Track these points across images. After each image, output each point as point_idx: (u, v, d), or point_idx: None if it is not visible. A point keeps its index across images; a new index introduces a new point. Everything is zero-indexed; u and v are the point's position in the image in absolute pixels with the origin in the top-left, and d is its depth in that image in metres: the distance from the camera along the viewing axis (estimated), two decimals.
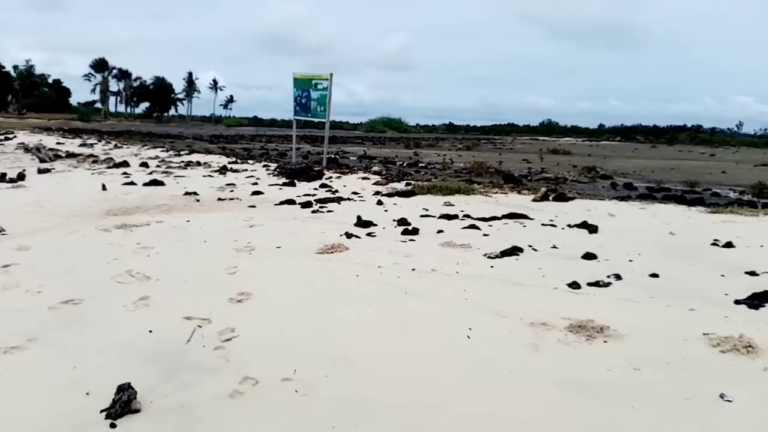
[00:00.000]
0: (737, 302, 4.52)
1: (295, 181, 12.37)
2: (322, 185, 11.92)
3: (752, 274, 5.31)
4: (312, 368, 3.32)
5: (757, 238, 6.73)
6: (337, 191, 11.01)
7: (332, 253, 5.89)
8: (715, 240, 6.65)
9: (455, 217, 8.11)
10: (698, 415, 2.90)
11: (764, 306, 4.42)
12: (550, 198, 9.97)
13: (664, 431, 2.76)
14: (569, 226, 7.55)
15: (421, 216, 8.20)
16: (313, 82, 16.62)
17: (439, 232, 7.01)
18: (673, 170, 23.46)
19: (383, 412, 2.88)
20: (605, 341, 3.77)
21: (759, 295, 4.57)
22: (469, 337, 3.81)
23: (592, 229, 7.22)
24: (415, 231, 6.93)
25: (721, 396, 3.06)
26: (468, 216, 8.17)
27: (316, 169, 14.36)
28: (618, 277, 5.15)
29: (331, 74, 16.23)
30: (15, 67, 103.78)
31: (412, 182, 12.36)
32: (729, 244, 6.43)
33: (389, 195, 10.40)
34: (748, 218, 8.22)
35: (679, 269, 5.52)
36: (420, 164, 20.75)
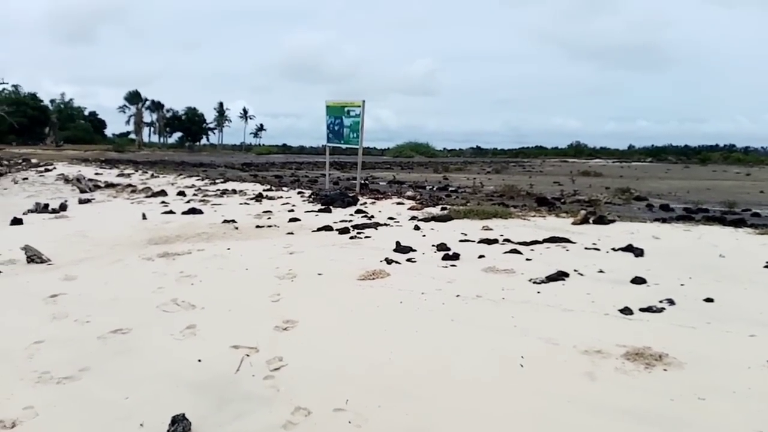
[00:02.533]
0: None
1: (331, 207, 12.41)
2: (358, 211, 11.93)
3: None
4: (364, 398, 3.25)
5: None
6: (373, 216, 11.00)
7: (374, 279, 5.85)
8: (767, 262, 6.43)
9: (495, 241, 8.01)
10: None
11: None
12: (590, 221, 9.79)
13: None
14: (613, 249, 7.38)
15: (460, 241, 8.11)
16: (346, 109, 16.81)
17: (481, 257, 6.91)
18: (709, 191, 22.98)
19: None
20: (665, 369, 3.63)
21: None
22: (522, 366, 3.70)
23: (638, 252, 7.04)
24: (456, 256, 6.85)
25: None
26: (508, 240, 8.05)
27: (350, 194, 14.41)
28: (671, 302, 4.98)
29: (364, 101, 16.41)
30: (52, 101, 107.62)
31: (448, 206, 12.30)
32: None
33: (425, 220, 10.34)
34: None
35: (733, 293, 5.33)
36: (450, 188, 20.68)
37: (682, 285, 5.58)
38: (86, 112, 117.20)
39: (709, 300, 5.05)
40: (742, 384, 3.41)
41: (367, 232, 9.02)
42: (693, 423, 2.98)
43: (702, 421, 3.00)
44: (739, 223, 9.75)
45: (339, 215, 11.31)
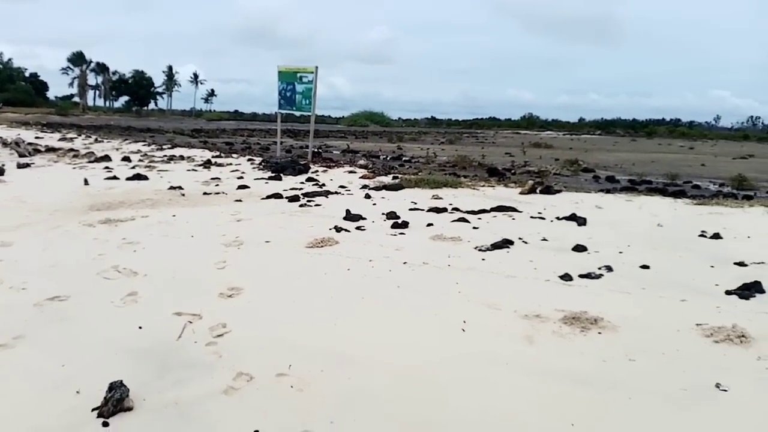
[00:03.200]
0: (728, 293, 4.56)
1: (281, 175, 12.26)
2: (309, 179, 11.83)
3: (741, 264, 5.36)
4: (307, 363, 3.27)
5: (744, 229, 6.81)
6: (324, 185, 10.93)
7: (322, 246, 5.84)
8: (703, 231, 6.71)
9: (444, 210, 8.09)
10: (695, 404, 2.90)
11: (754, 296, 4.47)
12: (537, 191, 10.00)
13: (662, 421, 2.75)
14: (558, 218, 7.57)
15: (410, 209, 8.16)
16: (298, 75, 16.49)
17: (429, 225, 6.98)
18: (654, 163, 23.65)
19: (381, 406, 2.84)
20: (599, 333, 3.77)
21: (749, 285, 4.61)
22: (464, 330, 3.78)
23: (581, 221, 7.24)
24: (405, 224, 6.90)
25: (717, 386, 3.07)
26: (457, 209, 8.15)
27: (302, 162, 14.26)
28: (609, 268, 5.16)
29: (317, 67, 16.12)
30: None
31: (400, 176, 12.33)
32: (716, 236, 6.50)
33: (377, 188, 10.35)
34: (734, 210, 8.31)
35: (669, 260, 5.56)
36: (404, 158, 20.70)
37: (620, 253, 5.78)
38: (27, 74, 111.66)
39: (645, 267, 5.26)
40: (672, 346, 3.58)
41: (318, 200, 8.97)
42: (623, 383, 3.11)
43: (631, 381, 3.13)
44: (679, 194, 10.13)
45: (290, 183, 11.20)
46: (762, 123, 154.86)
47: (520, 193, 9.87)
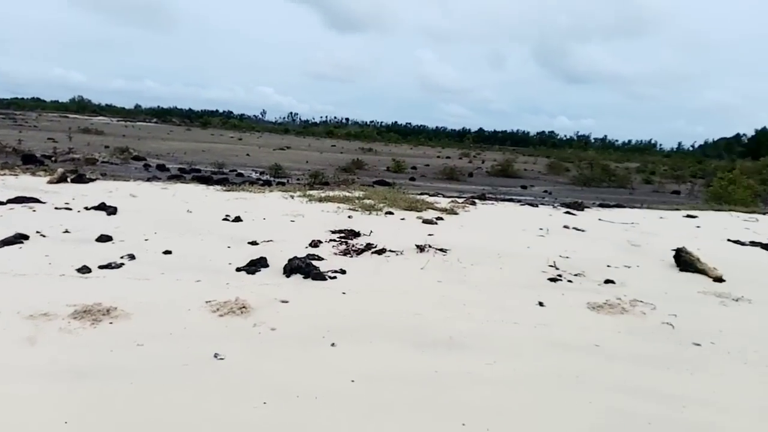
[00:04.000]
0: (238, 269, 5.09)
1: None
2: None
3: (253, 243, 6.06)
4: None
5: (260, 212, 7.73)
6: None
7: None
8: (227, 215, 7.34)
9: None
10: (196, 376, 3.13)
11: (260, 270, 5.11)
12: (68, 180, 9.27)
13: (186, 404, 2.87)
14: (87, 208, 7.17)
15: None
16: None
17: None
18: (205, 152, 24.72)
19: None
20: (111, 323, 3.73)
21: (255, 261, 5.24)
22: None
23: (111, 210, 7.03)
24: None
25: (215, 355, 3.38)
26: None
27: None
28: (132, 257, 5.15)
29: None
30: None
31: None
32: (238, 219, 7.19)
33: None
34: (256, 195, 9.36)
35: (191, 244, 5.88)
36: None
37: (146, 240, 5.85)
38: None
39: (168, 252, 5.44)
40: (180, 325, 3.79)
41: None
42: (129, 368, 3.13)
43: (137, 365, 3.18)
44: (222, 182, 10.87)
45: None
46: (300, 119, 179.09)
47: (49, 183, 8.98)
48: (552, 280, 5.50)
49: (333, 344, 3.66)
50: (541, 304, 4.74)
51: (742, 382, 3.56)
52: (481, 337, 3.95)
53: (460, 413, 2.91)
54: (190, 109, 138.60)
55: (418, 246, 6.24)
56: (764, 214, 13.87)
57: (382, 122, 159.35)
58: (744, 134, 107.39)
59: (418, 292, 4.84)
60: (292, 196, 9.50)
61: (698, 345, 4.12)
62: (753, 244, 8.46)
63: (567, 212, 10.78)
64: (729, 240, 8.75)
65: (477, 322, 4.23)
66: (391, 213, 8.50)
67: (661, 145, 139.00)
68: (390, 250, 6.06)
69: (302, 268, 5.02)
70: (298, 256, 5.34)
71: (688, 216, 11.76)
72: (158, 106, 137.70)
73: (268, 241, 6.22)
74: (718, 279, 5.98)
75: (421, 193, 12.96)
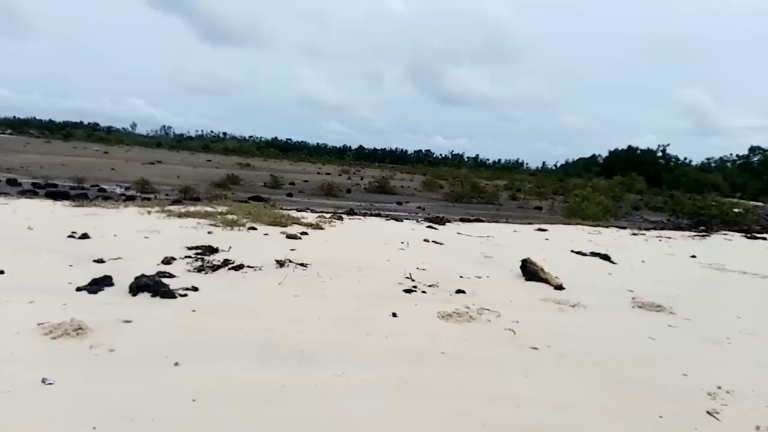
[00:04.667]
0: (79, 289, 4.77)
1: None
2: None
3: (100, 261, 5.71)
4: None
5: (113, 228, 7.30)
6: None
7: None
8: (73, 232, 6.86)
9: None
10: (20, 403, 2.88)
11: (102, 290, 4.82)
12: None
13: None
14: None
15: None
16: None
17: None
18: (65, 166, 23.08)
19: None
20: None
21: (98, 280, 4.94)
22: None
23: None
24: None
25: (43, 380, 3.14)
26: None
27: None
28: None
29: None
30: None
31: None
32: (85, 235, 6.74)
33: None
34: (110, 210, 8.83)
35: (28, 263, 5.43)
36: None
37: None
38: None
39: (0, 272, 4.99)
40: (5, 350, 3.48)
41: None
42: None
43: None
44: (79, 198, 10.14)
45: None
46: (173, 132, 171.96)
47: None
48: (407, 291, 5.68)
49: (176, 363, 3.53)
50: (394, 314, 4.88)
51: (572, 383, 3.86)
52: (333, 349, 3.99)
53: (306, 427, 2.91)
54: (50, 120, 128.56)
55: (277, 261, 6.20)
56: (607, 227, 15.26)
57: (261, 137, 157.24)
58: (599, 155, 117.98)
59: (272, 308, 4.80)
60: (149, 212, 9.06)
61: (536, 349, 4.42)
62: (593, 254, 9.26)
63: (429, 226, 11.21)
64: (572, 251, 9.52)
65: (330, 335, 4.26)
66: (254, 228, 8.37)
67: (527, 164, 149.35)
68: (248, 266, 5.96)
69: (150, 286, 4.80)
70: (148, 273, 5.10)
71: (540, 229, 12.65)
72: (14, 117, 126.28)
73: (116, 258, 5.88)
74: (559, 287, 6.47)
75: (296, 209, 12.92)
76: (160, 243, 6.84)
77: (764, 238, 15.37)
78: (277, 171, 39.76)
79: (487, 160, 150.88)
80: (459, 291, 5.85)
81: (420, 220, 12.76)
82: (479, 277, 6.63)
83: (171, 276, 5.34)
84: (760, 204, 58.93)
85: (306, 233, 8.47)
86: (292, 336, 4.16)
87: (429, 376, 3.69)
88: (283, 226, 8.76)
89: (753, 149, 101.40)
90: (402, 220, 12.31)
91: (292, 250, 7.03)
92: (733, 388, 3.92)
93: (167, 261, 5.89)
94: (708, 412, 3.54)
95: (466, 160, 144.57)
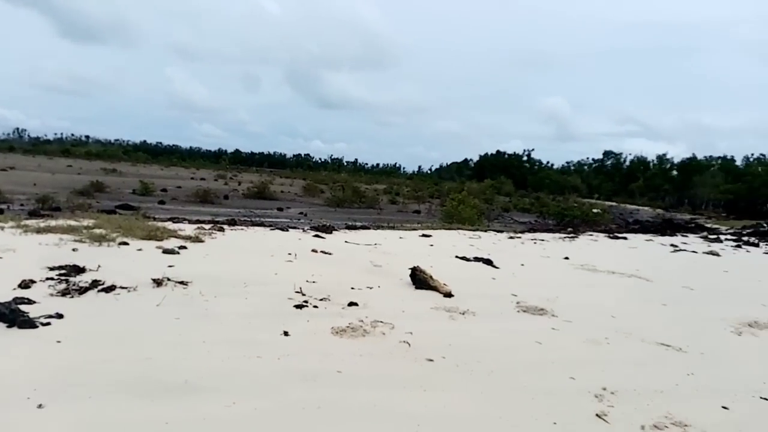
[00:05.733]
0: None
1: None
2: None
3: None
4: None
5: None
6: None
7: None
8: None
9: None
10: None
11: None
12: None
13: None
14: None
15: None
16: None
17: None
18: None
19: None
20: None
21: None
22: None
23: None
24: None
25: None
26: None
27: None
28: None
29: None
30: None
31: None
32: None
33: None
34: None
35: None
36: None
37: None
38: None
39: None
40: None
41: None
42: None
43: None
44: None
45: None
46: (28, 135, 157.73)
47: None
48: (298, 306, 5.45)
49: (40, 405, 3.09)
50: (286, 333, 4.64)
51: (469, 393, 3.85)
52: (221, 376, 3.69)
53: None
54: None
55: (154, 280, 5.71)
56: (486, 231, 15.87)
57: (129, 141, 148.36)
58: (471, 159, 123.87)
59: (150, 333, 4.38)
60: (2, 227, 8.07)
61: (431, 360, 4.38)
62: (476, 259, 9.52)
63: (316, 235, 11.00)
64: (457, 257, 9.74)
65: (217, 360, 3.95)
66: (126, 243, 7.70)
67: (404, 168, 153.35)
68: (121, 287, 5.43)
69: (5, 315, 4.20)
70: (2, 300, 4.48)
71: (424, 235, 12.88)
72: None
73: None
74: (448, 294, 6.54)
75: (171, 218, 12.17)
76: (16, 263, 6.07)
77: (625, 238, 16.74)
78: (147, 177, 37.53)
79: (366, 164, 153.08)
80: (351, 303, 5.71)
81: (306, 229, 12.49)
82: (370, 288, 6.54)
83: (30, 302, 4.73)
84: (614, 204, 64.68)
85: (185, 247, 7.94)
86: (173, 364, 3.81)
87: (326, 399, 3.51)
88: (158, 240, 8.15)
89: (606, 153, 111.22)
90: (288, 230, 11.97)
91: (170, 266, 6.53)
92: (616, 388, 4.10)
93: (25, 284, 5.22)
94: (597, 415, 3.67)
95: (345, 164, 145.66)
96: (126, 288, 5.44)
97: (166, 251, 7.42)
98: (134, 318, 4.70)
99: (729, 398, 4.11)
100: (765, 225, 32.22)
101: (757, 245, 18.07)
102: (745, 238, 20.55)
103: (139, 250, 7.48)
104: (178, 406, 3.24)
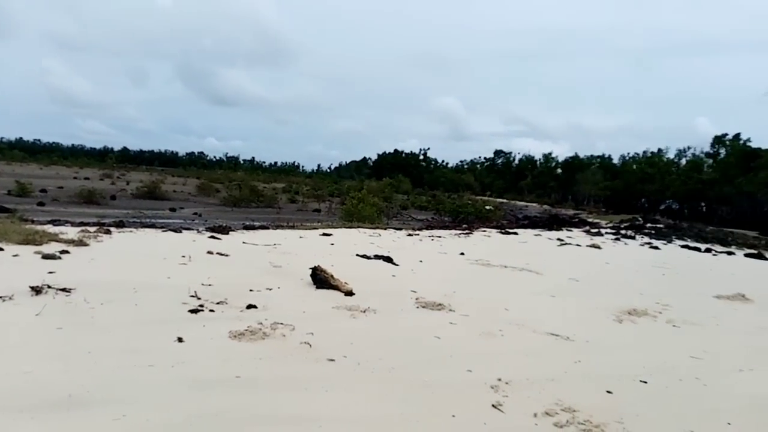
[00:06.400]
0: None
1: None
2: None
3: None
4: None
5: None
6: None
7: None
8: None
9: None
10: None
11: None
12: None
13: None
14: None
15: None
16: None
17: None
18: None
19: None
20: None
21: None
22: None
23: None
24: None
25: None
26: None
27: None
28: None
29: None
30: None
31: None
32: None
33: None
34: None
35: None
36: None
37: None
38: None
39: None
40: None
41: None
42: None
43: None
44: None
45: None
46: None
47: None
48: (193, 311, 5.24)
49: None
50: (180, 339, 4.44)
51: (371, 392, 3.86)
52: (109, 388, 3.47)
53: None
54: None
55: (33, 287, 5.26)
56: (386, 229, 16.05)
57: (2, 138, 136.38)
58: (370, 158, 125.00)
59: (29, 345, 4.04)
60: None
61: (333, 360, 4.36)
62: (377, 257, 9.60)
63: (212, 237, 10.62)
64: (357, 255, 9.77)
65: (104, 371, 3.71)
66: (0, 249, 7.06)
67: (303, 166, 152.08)
68: None
69: None
70: None
71: (325, 234, 12.82)
72: None
73: None
74: (349, 293, 6.54)
75: (52, 221, 11.31)
76: None
77: (516, 233, 17.55)
78: (24, 176, 34.66)
79: (264, 162, 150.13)
80: (250, 306, 5.56)
81: (201, 230, 12.02)
82: (270, 289, 6.41)
83: None
84: (505, 201, 67.74)
85: (67, 251, 7.39)
86: (56, 378, 3.54)
87: (224, 406, 3.40)
88: (37, 245, 7.52)
89: (497, 152, 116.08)
90: (181, 231, 11.45)
91: (50, 272, 6.05)
92: (510, 378, 4.28)
93: None
94: (493, 405, 3.80)
95: (241, 162, 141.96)
96: (1, 297, 4.98)
97: (46, 256, 6.86)
98: (10, 329, 4.31)
99: (612, 383, 4.40)
100: (640, 219, 35.09)
101: (633, 238, 19.59)
102: (623, 232, 22.23)
103: (15, 255, 6.86)
104: (62, 422, 3.02)
